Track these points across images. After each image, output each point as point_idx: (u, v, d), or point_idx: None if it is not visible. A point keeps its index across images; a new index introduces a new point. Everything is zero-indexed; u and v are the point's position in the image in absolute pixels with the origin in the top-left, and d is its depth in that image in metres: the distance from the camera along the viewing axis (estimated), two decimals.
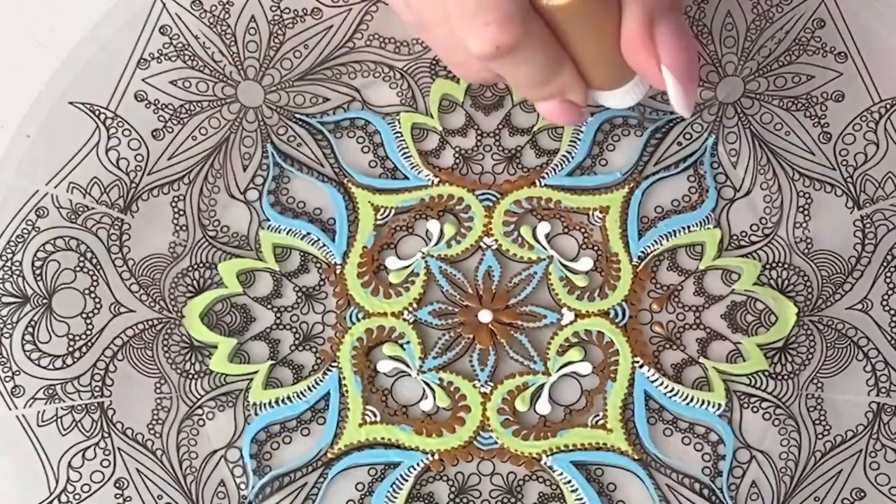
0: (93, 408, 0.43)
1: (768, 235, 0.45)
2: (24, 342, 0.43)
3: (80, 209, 0.44)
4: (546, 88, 0.37)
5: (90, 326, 0.44)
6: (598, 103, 0.40)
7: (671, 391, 0.44)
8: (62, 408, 0.43)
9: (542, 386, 0.44)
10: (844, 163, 0.45)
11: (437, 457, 0.43)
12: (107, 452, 0.43)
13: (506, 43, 0.34)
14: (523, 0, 0.34)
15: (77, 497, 0.42)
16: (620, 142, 0.45)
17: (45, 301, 0.43)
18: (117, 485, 0.42)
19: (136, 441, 0.43)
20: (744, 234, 0.45)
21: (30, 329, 0.43)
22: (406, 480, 0.43)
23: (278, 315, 0.45)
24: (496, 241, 0.45)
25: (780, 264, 0.45)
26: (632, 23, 0.35)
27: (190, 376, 0.44)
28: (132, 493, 0.42)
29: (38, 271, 0.43)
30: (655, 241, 0.45)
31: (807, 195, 0.45)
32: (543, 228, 0.45)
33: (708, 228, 0.45)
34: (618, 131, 0.45)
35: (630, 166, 0.45)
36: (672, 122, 0.45)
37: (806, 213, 0.45)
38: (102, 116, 0.44)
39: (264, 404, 0.43)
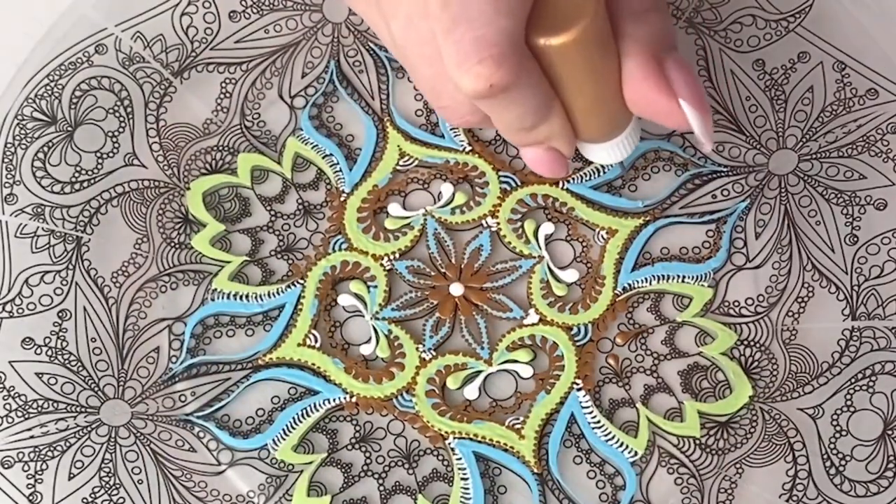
0: (70, 239, 0.54)
1: (759, 314, 0.54)
2: (35, 158, 0.55)
3: (137, 58, 0.56)
4: (533, 134, 0.45)
5: (100, 166, 0.55)
6: (584, 156, 0.48)
7: (597, 423, 0.53)
8: (43, 229, 0.54)
9: (479, 372, 0.54)
10: (858, 270, 0.54)
11: (354, 399, 0.53)
12: (64, 283, 0.54)
13: (500, 81, 0.40)
14: (519, 38, 0.40)
15: (20, 311, 0.53)
16: (658, 174, 0.56)
17: (69, 129, 0.55)
18: (60, 314, 0.53)
19: (95, 283, 0.54)
20: (736, 303, 0.54)
21: (45, 149, 0.55)
22: (317, 410, 0.53)
23: (273, 218, 0.56)
24: (498, 224, 0.55)
25: (756, 344, 0.54)
26: (640, 63, 0.42)
27: (171, 244, 0.55)
28: (70, 326, 0.53)
29: (75, 100, 0.56)
30: (646, 279, 0.54)
31: (811, 288, 0.54)
32: (546, 229, 0.55)
33: (702, 285, 0.54)
34: (659, 164, 0.55)
35: (656, 201, 0.55)
36: (715, 174, 0.55)
37: (803, 304, 0.54)
38: None
39: (225, 294, 0.54)
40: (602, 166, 0.56)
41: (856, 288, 0.54)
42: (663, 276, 0.54)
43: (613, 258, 0.54)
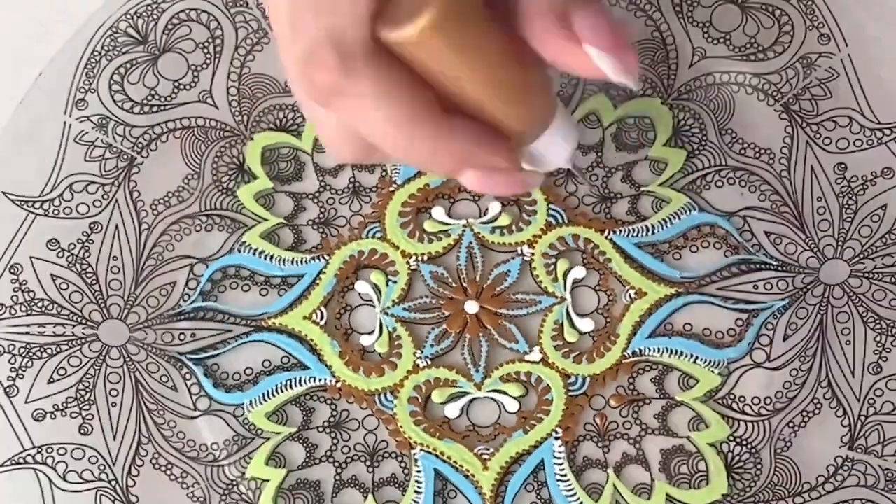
0: (124, 157, 0.59)
1: (761, 416, 0.56)
2: (115, 73, 0.60)
3: (241, 2, 0.61)
4: (425, 151, 0.41)
5: (174, 95, 0.60)
6: (534, 168, 0.46)
7: (564, 477, 0.56)
8: (102, 140, 0.59)
9: (465, 394, 0.57)
10: (871, 401, 0.57)
11: (339, 385, 0.57)
12: (105, 197, 0.59)
13: (323, 83, 0.39)
14: (354, 37, 0.38)
15: (55, 213, 0.58)
16: (707, 250, 0.58)
17: (156, 52, 0.60)
18: (91, 225, 0.58)
19: (134, 205, 0.59)
20: (742, 398, 0.57)
21: (128, 66, 0.60)
22: (301, 385, 0.57)
23: (321, 189, 0.60)
24: (532, 255, 0.58)
25: (747, 444, 0.56)
26: (541, 22, 0.40)
27: (219, 188, 0.60)
28: (97, 239, 0.59)
29: (170, 27, 0.60)
30: (658, 349, 0.57)
31: (819, 405, 0.56)
32: (577, 272, 0.58)
33: (712, 370, 0.57)
34: (711, 240, 0.58)
35: (695, 275, 0.57)
36: (764, 265, 0.57)
37: (806, 420, 0.56)
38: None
39: (252, 249, 0.59)
40: (651, 226, 0.58)
41: (862, 418, 0.56)
42: (677, 351, 0.57)
43: (633, 319, 0.57)
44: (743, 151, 0.58)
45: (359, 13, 0.38)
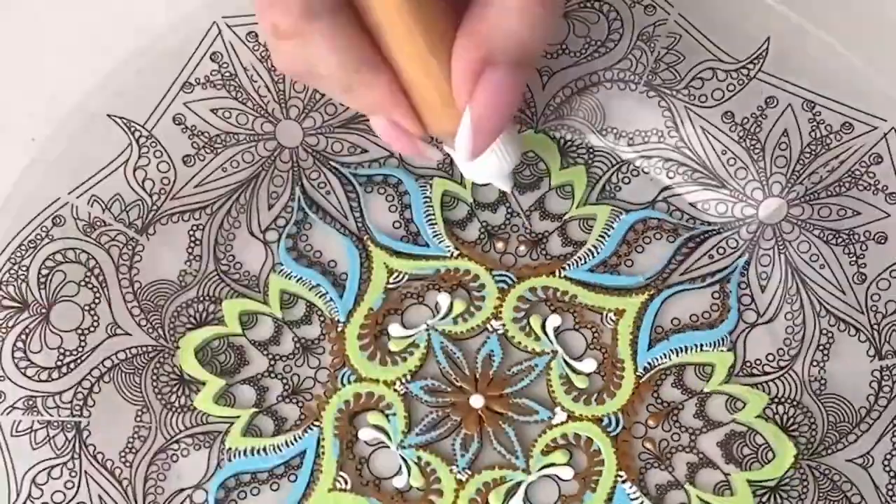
0: (69, 426, 0.58)
1: (783, 368, 0.60)
2: (14, 349, 0.58)
3: (97, 223, 0.60)
4: (356, 97, 0.49)
5: (83, 344, 0.59)
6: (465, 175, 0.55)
7: None
8: (38, 421, 0.58)
9: (519, 483, 0.59)
10: (874, 308, 0.60)
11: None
12: (73, 474, 0.58)
13: (283, 27, 0.46)
14: None
15: None
16: (651, 244, 0.62)
17: (43, 311, 0.59)
18: None
19: (104, 467, 0.58)
20: (758, 361, 0.61)
21: (23, 337, 0.59)
22: None
23: (272, 362, 0.61)
24: (504, 325, 0.61)
25: (788, 400, 0.60)
26: (463, 60, 0.47)
27: (173, 409, 0.60)
28: None
29: (42, 280, 0.59)
30: (665, 355, 0.60)
31: (829, 334, 0.60)
32: (554, 321, 0.61)
33: (721, 350, 0.60)
34: (650, 234, 0.62)
35: (655, 272, 0.61)
36: (707, 234, 0.61)
37: (826, 352, 0.60)
38: (137, 134, 0.60)
39: (240, 451, 0.59)
40: (593, 248, 0.62)
41: (875, 326, 0.60)
42: (681, 348, 0.61)
43: (627, 339, 0.61)
44: (631, 142, 0.62)
45: None
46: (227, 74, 0.61)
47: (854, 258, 0.60)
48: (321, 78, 0.49)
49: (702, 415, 0.61)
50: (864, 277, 0.60)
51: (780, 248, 0.61)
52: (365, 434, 0.60)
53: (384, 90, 0.49)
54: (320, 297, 0.62)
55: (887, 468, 0.59)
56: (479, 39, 0.46)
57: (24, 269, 0.60)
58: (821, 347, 0.60)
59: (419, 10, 0.46)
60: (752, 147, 0.61)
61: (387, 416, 0.60)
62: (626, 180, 0.62)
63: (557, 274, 0.61)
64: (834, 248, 0.60)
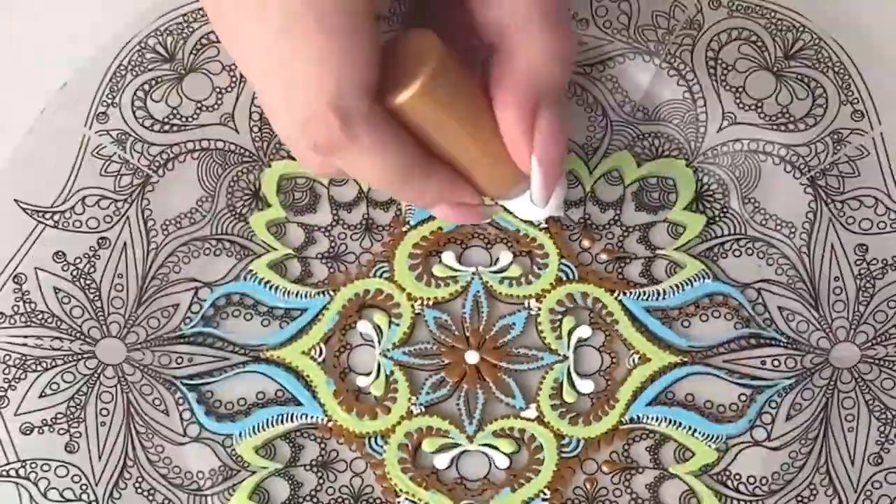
0: (140, 174, 0.63)
1: (755, 497, 0.60)
2: (139, 88, 0.64)
3: None
4: (414, 193, 0.53)
5: (196, 116, 0.64)
6: (499, 204, 0.57)
7: (659, 294, 0.62)
8: (119, 156, 0.63)
9: (456, 446, 0.62)
10: (868, 493, 0.61)
11: (330, 424, 0.61)
12: (117, 213, 0.63)
13: (325, 142, 0.48)
14: (351, 99, 0.47)
15: (64, 225, 0.63)
16: (718, 320, 0.62)
17: (182, 72, 0.64)
18: (99, 241, 0.63)
19: (145, 224, 0.63)
20: (737, 476, 0.60)
21: (152, 83, 0.64)
22: (292, 421, 0.61)
23: (334, 223, 0.64)
24: (539, 309, 0.62)
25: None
26: (512, 112, 0.50)
27: (232, 213, 0.64)
28: (104, 255, 0.63)
29: (199, 47, 0.64)
30: (656, 418, 0.61)
31: (815, 491, 0.60)
32: (582, 332, 0.62)
33: (709, 445, 0.60)
34: (722, 310, 0.62)
35: (702, 345, 0.61)
36: (774, 341, 0.61)
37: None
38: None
39: (258, 278, 0.63)
40: (664, 291, 0.62)
41: None
42: (676, 421, 0.60)
43: (635, 385, 0.61)
44: (764, 222, 0.62)
45: (361, 83, 0.48)
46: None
47: (883, 440, 0.61)
48: (359, 178, 0.53)
49: (654, 490, 0.62)
50: (879, 461, 0.61)
51: (829, 392, 0.61)
52: (363, 327, 0.63)
53: (443, 182, 0.53)
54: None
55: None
56: (519, 91, 0.50)
57: (191, 30, 0.65)
58: (799, 498, 0.60)
59: (451, 94, 0.50)
60: (863, 288, 0.61)
61: (391, 322, 0.63)
62: (737, 253, 0.62)
63: (616, 294, 0.62)
64: (874, 419, 0.60)
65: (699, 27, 0.63)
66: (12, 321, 0.62)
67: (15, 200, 0.62)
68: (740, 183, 0.62)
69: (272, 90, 0.50)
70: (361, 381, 0.62)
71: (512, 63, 0.50)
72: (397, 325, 0.62)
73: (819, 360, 0.61)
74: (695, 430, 0.60)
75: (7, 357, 0.61)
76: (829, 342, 0.61)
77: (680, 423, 0.61)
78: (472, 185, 0.54)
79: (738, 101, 0.62)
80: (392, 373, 0.62)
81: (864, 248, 0.61)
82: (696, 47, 0.63)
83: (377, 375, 0.62)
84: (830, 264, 0.61)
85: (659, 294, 0.62)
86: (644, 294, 0.62)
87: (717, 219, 0.63)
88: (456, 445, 0.61)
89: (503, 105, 0.50)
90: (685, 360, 0.61)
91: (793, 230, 0.62)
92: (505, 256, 0.63)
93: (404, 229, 0.63)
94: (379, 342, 0.63)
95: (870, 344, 0.60)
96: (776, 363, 0.61)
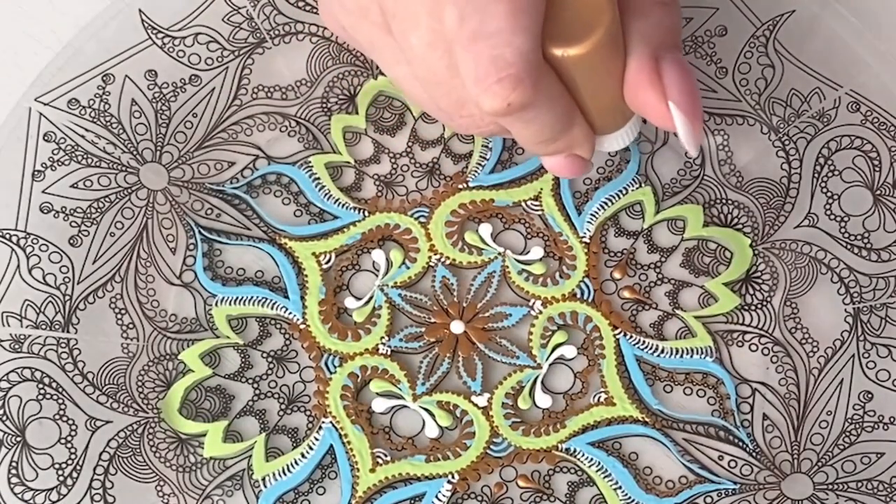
0: (256, 36, 0.64)
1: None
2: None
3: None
4: (554, 145, 0.52)
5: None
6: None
7: (658, 350, 0.62)
8: (247, 12, 0.64)
9: (399, 398, 0.61)
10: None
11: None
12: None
13: (518, 101, 0.47)
14: (536, 56, 0.46)
15: None
16: (701, 399, 0.61)
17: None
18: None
19: (240, 81, 0.64)
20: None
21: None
22: (272, 309, 0.63)
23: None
24: (539, 313, 0.62)
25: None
26: (639, 61, 0.49)
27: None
28: (190, 89, 0.64)
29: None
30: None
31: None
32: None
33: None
34: (708, 391, 0.61)
35: (670, 416, 0.60)
36: (726, 492, 0.59)
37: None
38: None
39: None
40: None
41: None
42: (608, 471, 0.60)
43: (588, 420, 0.61)
44: (793, 330, 0.61)
45: (536, 33, 0.47)
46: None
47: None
48: (523, 136, 0.52)
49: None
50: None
51: None
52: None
53: (580, 131, 0.52)
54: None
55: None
56: (648, 40, 0.50)
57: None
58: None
59: (613, 46, 0.50)
60: (846, 432, 0.60)
61: (403, 263, 0.63)
62: (753, 347, 0.62)
63: (617, 332, 0.62)
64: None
65: (827, 122, 0.62)
66: (82, 112, 0.63)
67: (140, 10, 0.64)
68: (791, 284, 0.61)
69: (436, 58, 0.49)
70: (350, 303, 0.63)
71: (641, 12, 0.50)
72: (407, 267, 0.63)
73: (772, 481, 0.59)
74: (620, 488, 0.60)
75: (63, 140, 0.63)
76: (790, 467, 0.59)
77: (610, 475, 0.60)
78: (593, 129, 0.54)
79: (827, 208, 0.61)
80: (380, 307, 0.63)
81: (870, 396, 0.59)
82: (815, 140, 0.62)
83: (366, 303, 0.63)
84: (831, 397, 0.60)
85: (657, 350, 0.62)
86: (643, 344, 0.62)
87: (752, 308, 0.62)
88: (399, 397, 0.62)
89: (638, 55, 0.50)
90: (647, 420, 0.60)
91: (815, 349, 0.60)
92: (536, 251, 0.64)
93: (461, 187, 0.64)
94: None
95: (825, 487, 0.59)
96: (732, 464, 0.59)
